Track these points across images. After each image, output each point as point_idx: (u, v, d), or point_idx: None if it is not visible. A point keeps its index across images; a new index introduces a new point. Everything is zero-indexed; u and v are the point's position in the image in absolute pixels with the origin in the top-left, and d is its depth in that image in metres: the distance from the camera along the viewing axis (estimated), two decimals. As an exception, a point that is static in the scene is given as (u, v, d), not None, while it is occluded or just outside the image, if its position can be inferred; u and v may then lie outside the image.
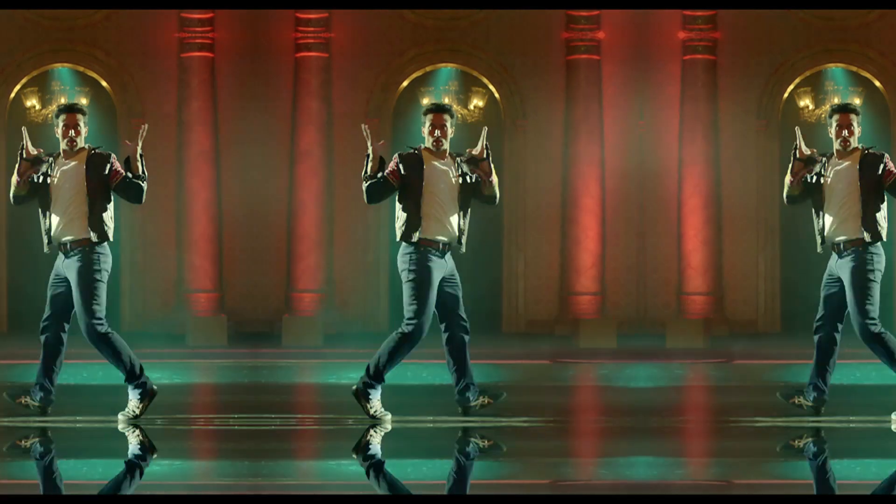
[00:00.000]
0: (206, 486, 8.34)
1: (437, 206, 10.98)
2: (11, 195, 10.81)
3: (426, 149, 11.19)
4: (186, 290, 22.03)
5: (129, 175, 11.00)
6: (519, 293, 22.67)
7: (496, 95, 22.55)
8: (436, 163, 11.12)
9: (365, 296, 22.04)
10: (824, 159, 11.11)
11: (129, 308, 21.62)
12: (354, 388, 11.15)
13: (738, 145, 22.29)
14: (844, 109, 11.13)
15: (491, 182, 11.00)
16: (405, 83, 22.54)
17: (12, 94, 22.18)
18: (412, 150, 11.21)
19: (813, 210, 11.04)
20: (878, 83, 22.27)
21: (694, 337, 20.67)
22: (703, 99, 21.94)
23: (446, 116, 11.18)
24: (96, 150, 11.08)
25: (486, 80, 22.54)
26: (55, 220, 10.75)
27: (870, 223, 10.87)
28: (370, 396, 11.08)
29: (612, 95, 22.16)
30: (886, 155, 11.08)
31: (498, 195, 11.16)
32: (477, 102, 22.56)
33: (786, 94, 22.54)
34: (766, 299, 22.54)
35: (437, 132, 11.09)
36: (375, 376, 11.05)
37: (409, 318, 10.96)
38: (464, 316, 11.08)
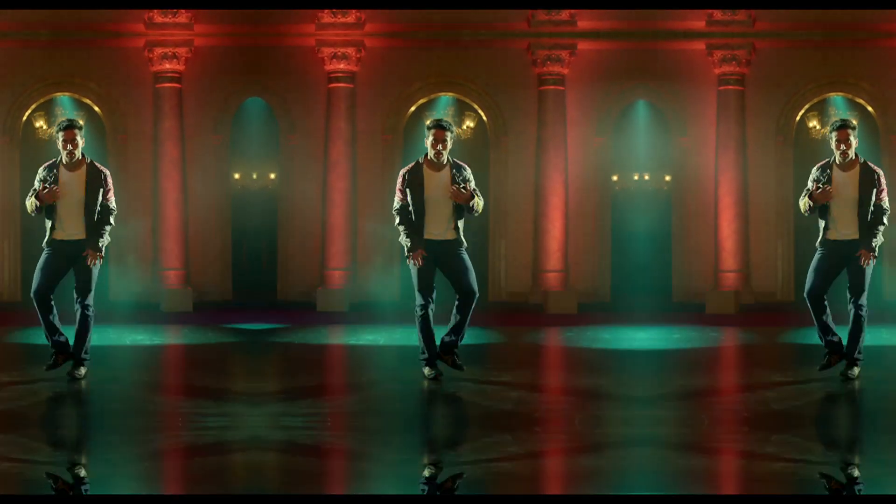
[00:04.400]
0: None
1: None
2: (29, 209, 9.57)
3: (427, 161, 9.58)
4: (160, 268, 21.12)
5: (110, 205, 9.54)
6: (501, 271, 21.69)
7: (484, 118, 21.62)
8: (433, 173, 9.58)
9: (382, 273, 21.21)
10: (827, 171, 9.56)
11: (113, 283, 20.15)
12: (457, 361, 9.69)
13: (762, 156, 21.67)
14: (843, 126, 9.57)
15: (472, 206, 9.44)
16: (413, 108, 21.64)
17: (24, 117, 21.58)
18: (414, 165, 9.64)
19: (818, 211, 9.47)
20: (870, 108, 21.63)
21: (727, 305, 20.01)
22: (734, 121, 21.30)
23: (448, 133, 9.51)
24: (93, 163, 9.62)
25: (476, 106, 21.65)
26: (59, 220, 9.47)
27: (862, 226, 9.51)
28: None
29: (573, 118, 21.25)
30: (880, 172, 9.63)
31: (479, 210, 9.59)
32: (469, 123, 21.90)
33: (798, 117, 21.87)
34: (784, 275, 21.91)
35: (440, 146, 9.48)
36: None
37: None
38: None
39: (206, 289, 20.88)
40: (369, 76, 21.09)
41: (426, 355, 9.72)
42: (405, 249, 9.61)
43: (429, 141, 9.54)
